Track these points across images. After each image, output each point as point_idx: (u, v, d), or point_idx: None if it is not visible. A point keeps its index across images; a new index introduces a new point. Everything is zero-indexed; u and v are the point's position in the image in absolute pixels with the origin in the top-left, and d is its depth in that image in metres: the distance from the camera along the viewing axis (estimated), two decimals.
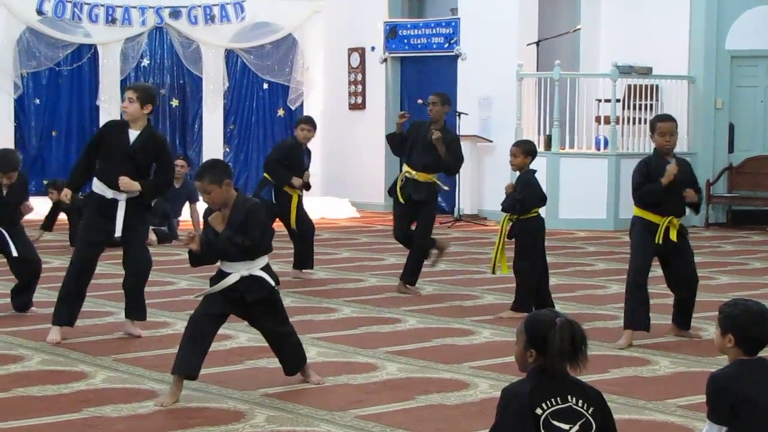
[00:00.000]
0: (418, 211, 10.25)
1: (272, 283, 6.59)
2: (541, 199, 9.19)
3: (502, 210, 9.21)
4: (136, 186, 7.93)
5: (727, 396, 4.05)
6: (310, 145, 11.41)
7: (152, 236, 13.25)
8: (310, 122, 11.32)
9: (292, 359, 6.84)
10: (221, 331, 8.35)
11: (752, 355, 4.12)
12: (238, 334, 8.27)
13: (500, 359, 7.46)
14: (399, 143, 10.45)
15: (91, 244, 8.08)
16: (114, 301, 9.53)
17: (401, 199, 10.22)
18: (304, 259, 11.23)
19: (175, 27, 17.97)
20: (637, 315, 8.01)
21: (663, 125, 8.23)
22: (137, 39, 17.92)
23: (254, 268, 6.54)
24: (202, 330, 6.56)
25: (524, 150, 9.18)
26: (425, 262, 10.38)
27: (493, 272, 9.32)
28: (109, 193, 7.96)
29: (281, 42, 18.40)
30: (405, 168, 10.31)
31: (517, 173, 9.37)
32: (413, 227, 10.32)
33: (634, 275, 8.12)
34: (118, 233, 8.00)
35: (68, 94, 17.92)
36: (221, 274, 6.58)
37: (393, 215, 10.48)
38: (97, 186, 8.04)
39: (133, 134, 7.99)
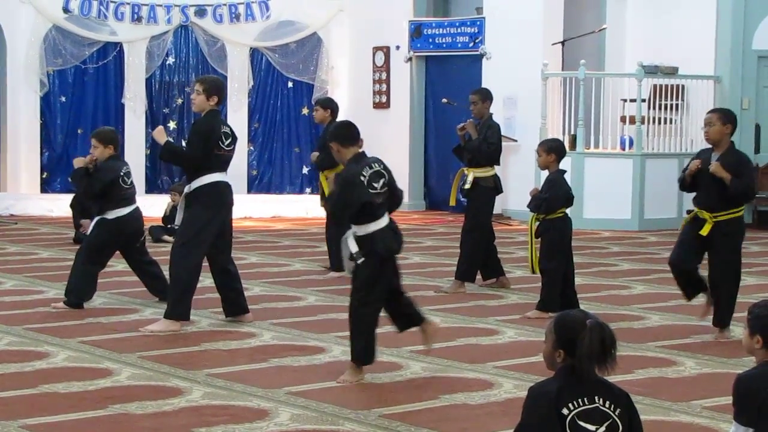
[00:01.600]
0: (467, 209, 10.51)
1: (353, 250, 6.78)
2: (567, 200, 9.16)
3: (529, 210, 9.18)
4: (163, 137, 8.48)
5: (754, 398, 4.02)
6: None
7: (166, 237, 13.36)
8: (317, 102, 11.58)
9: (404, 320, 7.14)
10: (246, 329, 8.41)
11: None
12: (262, 333, 8.30)
13: (524, 359, 7.45)
14: (462, 151, 10.53)
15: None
16: (139, 299, 9.57)
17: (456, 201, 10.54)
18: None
19: (200, 25, 18.01)
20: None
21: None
22: (162, 37, 17.97)
23: (350, 234, 6.86)
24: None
25: (546, 147, 9.14)
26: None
27: (533, 272, 9.26)
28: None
29: (306, 41, 18.41)
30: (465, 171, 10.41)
31: (545, 173, 9.34)
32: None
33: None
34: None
35: (94, 92, 17.99)
36: None
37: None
38: None
39: None
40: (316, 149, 11.35)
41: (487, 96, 10.56)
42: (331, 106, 11.41)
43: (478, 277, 10.54)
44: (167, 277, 9.32)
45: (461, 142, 10.52)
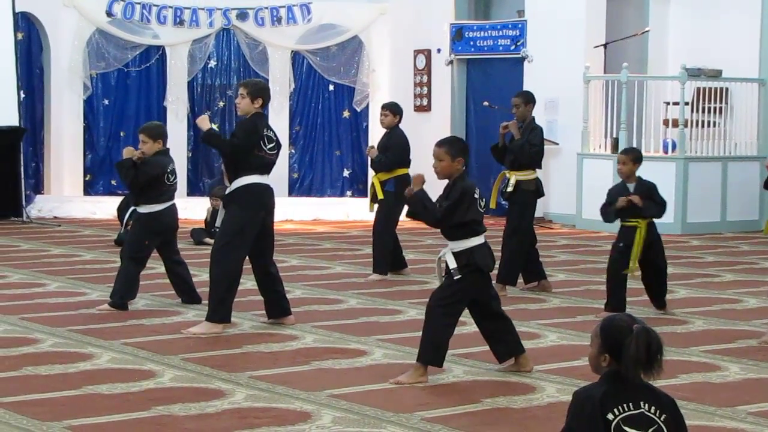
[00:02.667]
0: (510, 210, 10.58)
1: (451, 266, 6.84)
2: None
3: (651, 216, 9.11)
4: (206, 125, 8.56)
5: None
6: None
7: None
8: (384, 107, 11.52)
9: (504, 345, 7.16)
10: (288, 331, 8.43)
11: None
12: (304, 335, 8.31)
13: (567, 363, 7.41)
14: (501, 153, 10.50)
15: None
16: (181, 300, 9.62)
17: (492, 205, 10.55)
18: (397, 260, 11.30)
19: (242, 28, 18.09)
20: None
21: None
22: (204, 40, 18.07)
23: (448, 251, 6.93)
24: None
25: (633, 157, 9.18)
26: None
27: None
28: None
29: (347, 44, 18.44)
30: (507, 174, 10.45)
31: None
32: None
33: None
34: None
35: (136, 95, 18.12)
36: None
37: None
38: None
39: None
40: (377, 149, 11.32)
41: (530, 99, 10.56)
42: (399, 111, 11.41)
43: (520, 280, 10.50)
44: (193, 280, 9.43)
45: (500, 141, 10.49)
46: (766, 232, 8.63)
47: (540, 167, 10.62)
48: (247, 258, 8.52)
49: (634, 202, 9.01)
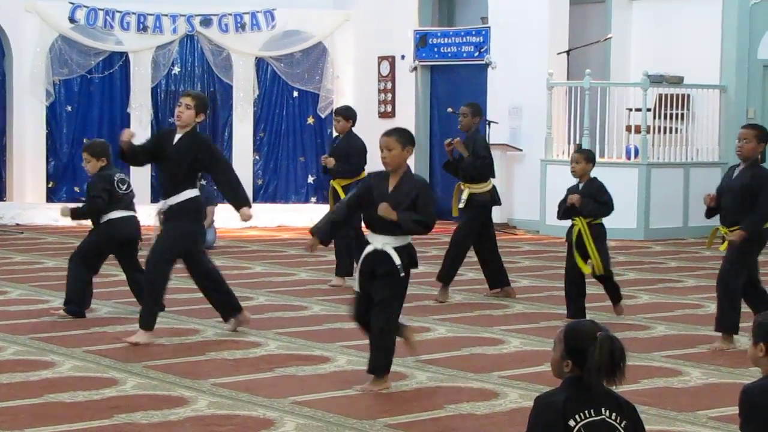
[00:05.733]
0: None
1: (398, 262, 6.69)
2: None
3: (589, 215, 9.11)
4: (249, 214, 8.36)
5: (759, 408, 4.00)
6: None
7: None
8: (336, 112, 11.53)
9: (371, 357, 6.94)
10: (251, 338, 8.41)
11: None
12: (267, 342, 8.30)
13: (530, 369, 7.44)
14: (454, 167, 10.54)
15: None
16: None
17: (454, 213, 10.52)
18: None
19: (205, 35, 18.04)
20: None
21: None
22: (168, 47, 18.00)
23: (389, 245, 6.73)
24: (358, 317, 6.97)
25: (586, 156, 9.23)
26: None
27: (598, 273, 9.26)
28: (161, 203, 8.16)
29: (311, 50, 18.44)
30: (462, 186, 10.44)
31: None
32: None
33: None
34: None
35: (99, 102, 18.02)
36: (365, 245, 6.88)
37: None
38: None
39: (177, 137, 8.13)
40: (330, 156, 11.31)
41: (478, 111, 10.59)
42: (353, 116, 11.42)
43: (485, 286, 10.53)
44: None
45: (449, 157, 10.53)
46: (709, 245, 8.69)
47: (494, 176, 10.63)
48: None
49: (572, 202, 9.08)
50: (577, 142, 15.80)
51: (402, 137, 6.84)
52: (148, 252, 8.31)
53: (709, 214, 8.45)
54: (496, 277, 10.49)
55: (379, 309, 6.79)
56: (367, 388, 6.84)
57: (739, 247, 8.13)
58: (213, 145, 8.39)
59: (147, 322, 8.13)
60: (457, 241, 10.40)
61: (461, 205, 10.32)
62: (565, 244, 9.44)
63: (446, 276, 10.34)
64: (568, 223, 9.36)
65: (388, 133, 6.92)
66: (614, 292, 9.44)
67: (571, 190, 9.33)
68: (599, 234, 9.26)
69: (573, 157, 9.45)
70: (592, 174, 9.32)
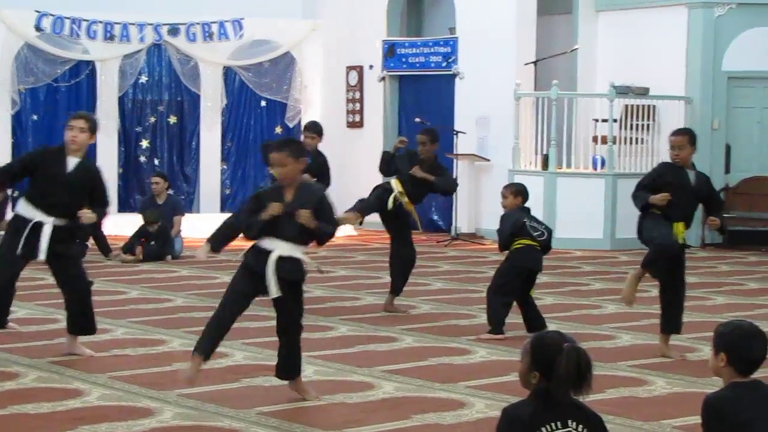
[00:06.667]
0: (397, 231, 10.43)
1: (306, 267, 6.69)
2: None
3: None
4: (94, 218, 7.93)
5: (721, 418, 4.03)
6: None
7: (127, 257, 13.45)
8: (309, 128, 11.17)
9: (286, 364, 6.88)
10: (218, 348, 8.35)
11: (746, 375, 4.11)
12: (234, 353, 8.27)
13: (496, 378, 7.45)
14: (388, 162, 10.50)
15: (12, 264, 7.87)
16: (110, 318, 9.53)
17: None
18: None
19: (173, 44, 17.99)
20: None
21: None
22: (135, 56, 17.93)
23: (297, 250, 6.68)
24: (226, 312, 6.78)
25: (514, 191, 9.37)
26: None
27: None
28: (37, 216, 7.82)
29: (279, 60, 18.43)
30: (398, 188, 10.28)
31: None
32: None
33: None
34: (42, 256, 7.80)
35: (66, 111, 17.84)
36: (260, 252, 6.69)
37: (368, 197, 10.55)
38: (25, 208, 7.91)
39: (72, 162, 7.94)
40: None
41: (435, 138, 10.47)
42: (322, 131, 11.27)
43: (453, 296, 10.55)
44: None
45: (392, 150, 10.49)
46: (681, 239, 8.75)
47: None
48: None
49: None
50: (545, 153, 15.88)
51: (294, 151, 6.70)
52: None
53: (646, 209, 8.49)
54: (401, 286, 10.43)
55: (293, 321, 6.85)
56: (313, 394, 6.84)
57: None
58: (103, 178, 8.23)
59: None
60: (409, 249, 10.35)
61: (389, 207, 10.25)
62: None
63: (401, 287, 10.31)
64: None
65: (278, 149, 6.75)
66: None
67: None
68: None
69: (502, 192, 9.50)
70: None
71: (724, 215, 15.81)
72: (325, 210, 6.76)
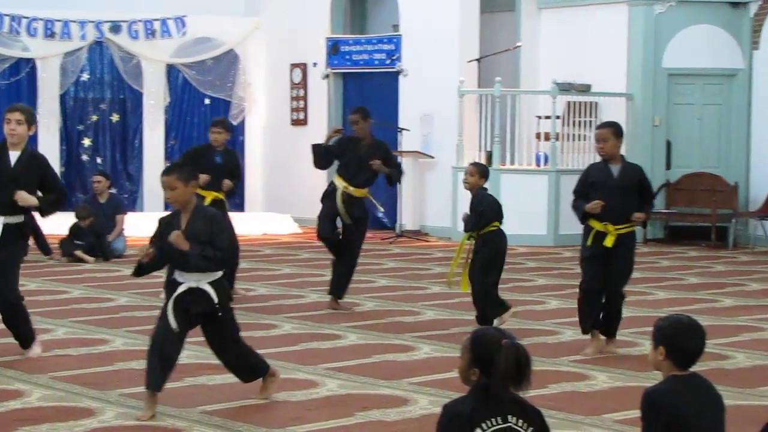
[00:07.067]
0: (353, 227, 10.26)
1: (215, 299, 6.48)
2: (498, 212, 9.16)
3: (468, 228, 9.09)
4: (33, 201, 7.72)
5: (660, 412, 4.08)
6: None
7: (87, 258, 13.31)
8: (218, 124, 11.00)
9: (248, 372, 6.83)
10: None
11: (684, 368, 4.15)
12: None
13: (440, 375, 7.47)
14: (324, 155, 10.43)
15: None
16: (51, 318, 9.44)
17: (347, 220, 10.21)
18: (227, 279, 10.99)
19: (115, 41, 17.85)
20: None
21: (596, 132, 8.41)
22: (77, 53, 17.78)
23: (203, 280, 6.47)
24: (165, 349, 6.46)
25: (481, 171, 9.20)
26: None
27: (464, 289, 9.21)
28: None
29: (223, 57, 18.35)
30: (341, 183, 10.25)
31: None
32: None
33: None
34: None
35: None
36: (173, 284, 6.49)
37: (319, 215, 10.35)
38: None
39: (14, 156, 7.81)
40: (222, 171, 10.89)
41: (367, 114, 10.39)
42: (229, 128, 11.19)
43: (397, 293, 10.56)
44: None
45: (325, 142, 10.42)
46: (590, 242, 8.70)
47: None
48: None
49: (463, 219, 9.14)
50: (488, 150, 15.95)
51: (182, 173, 6.47)
52: None
53: (585, 220, 8.47)
54: (341, 287, 10.32)
55: (233, 342, 6.73)
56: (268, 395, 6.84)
57: (632, 253, 8.35)
58: (50, 165, 8.11)
59: None
60: (355, 252, 10.29)
61: (341, 205, 10.20)
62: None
63: (342, 290, 10.27)
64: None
65: (168, 172, 6.53)
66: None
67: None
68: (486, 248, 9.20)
69: (467, 169, 9.31)
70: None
71: (666, 211, 16.10)
72: (214, 235, 6.45)
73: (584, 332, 8.42)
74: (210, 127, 11.06)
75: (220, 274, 6.57)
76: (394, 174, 10.26)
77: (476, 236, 9.03)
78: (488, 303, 9.00)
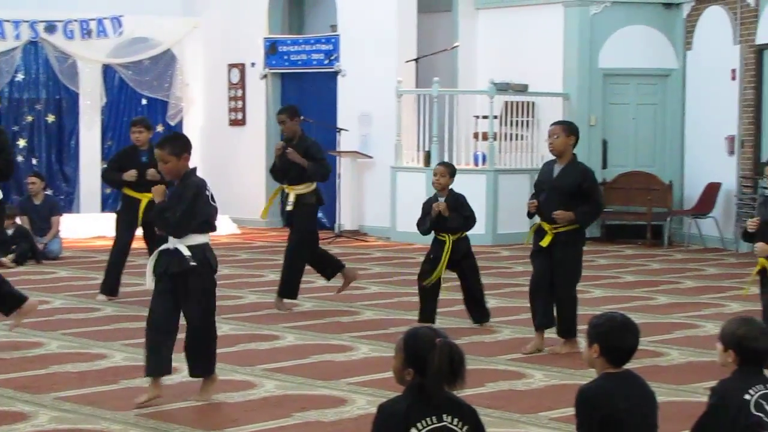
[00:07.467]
0: (292, 226, 10.32)
1: (190, 261, 6.62)
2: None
3: (455, 228, 9.23)
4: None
5: (594, 409, 4.12)
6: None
7: (4, 259, 13.06)
8: (137, 123, 10.95)
9: (198, 361, 6.82)
10: (96, 350, 8.26)
11: (618, 366, 4.20)
12: (113, 354, 8.16)
13: (378, 375, 7.48)
14: (277, 174, 10.51)
15: None
16: None
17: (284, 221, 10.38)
18: None
19: (50, 41, 17.65)
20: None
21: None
22: (11, 53, 17.55)
23: (181, 243, 6.67)
24: (162, 327, 6.70)
25: (451, 171, 9.31)
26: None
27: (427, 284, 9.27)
28: None
29: (160, 57, 18.22)
30: (284, 185, 10.34)
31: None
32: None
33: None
34: None
35: None
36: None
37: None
38: None
39: None
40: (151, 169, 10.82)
41: (295, 113, 10.44)
42: (150, 126, 11.11)
43: (329, 293, 10.54)
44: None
45: (276, 162, 10.47)
46: (527, 242, 8.92)
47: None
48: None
49: (440, 210, 9.18)
50: (426, 149, 15.99)
51: (174, 148, 6.75)
52: None
53: (531, 217, 8.64)
54: (329, 267, 10.43)
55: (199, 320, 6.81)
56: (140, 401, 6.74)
57: (574, 252, 8.40)
58: None
59: None
60: (294, 253, 10.30)
61: (289, 208, 10.24)
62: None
63: (291, 291, 10.27)
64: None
65: (160, 146, 6.79)
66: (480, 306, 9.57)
67: (427, 204, 9.42)
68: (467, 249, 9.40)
69: (438, 170, 9.44)
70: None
71: (604, 210, 16.21)
72: (173, 203, 6.75)
73: (535, 328, 8.50)
74: (130, 127, 11.03)
75: (201, 239, 6.75)
76: (310, 168, 10.19)
77: (455, 238, 9.18)
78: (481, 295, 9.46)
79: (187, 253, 6.64)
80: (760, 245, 7.65)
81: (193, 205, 6.71)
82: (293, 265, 10.23)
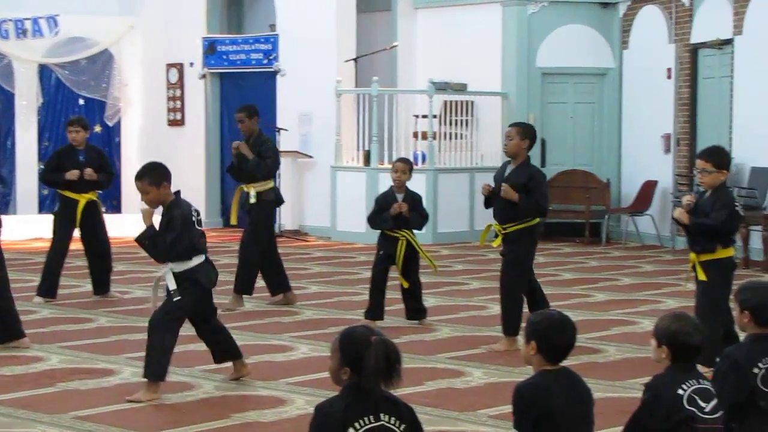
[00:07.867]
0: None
1: (170, 287, 6.84)
2: None
3: (414, 227, 9.47)
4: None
5: (530, 406, 4.16)
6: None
7: None
8: (74, 122, 10.88)
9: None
10: (31, 353, 8.18)
11: (555, 363, 4.24)
12: (50, 356, 8.09)
13: (317, 375, 7.48)
14: (235, 172, 10.50)
15: None
16: None
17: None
18: (100, 282, 10.87)
19: None
20: None
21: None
22: None
23: (168, 271, 6.90)
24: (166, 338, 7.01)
25: (410, 168, 9.58)
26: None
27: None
28: None
29: (97, 57, 18.06)
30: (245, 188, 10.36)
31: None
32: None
33: None
34: None
35: None
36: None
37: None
38: None
39: None
40: (88, 168, 10.75)
41: (253, 112, 10.49)
42: (87, 126, 11.04)
43: (266, 294, 10.51)
44: None
45: (234, 161, 10.47)
46: (482, 243, 9.04)
47: (277, 172, 10.70)
48: None
49: (402, 211, 9.22)
50: (366, 149, 16.01)
51: (153, 178, 6.99)
52: None
53: (488, 204, 8.69)
54: (278, 283, 10.45)
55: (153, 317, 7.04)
56: (133, 398, 6.79)
57: (521, 247, 8.45)
58: None
59: None
60: (247, 247, 10.29)
61: (253, 200, 10.22)
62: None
63: (245, 287, 10.25)
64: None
65: (140, 177, 7.03)
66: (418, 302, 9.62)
67: (383, 199, 9.44)
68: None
69: (398, 167, 9.51)
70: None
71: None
72: (162, 229, 6.97)
73: None
74: (66, 127, 10.95)
75: (193, 263, 6.91)
76: (251, 162, 10.20)
77: (408, 236, 9.32)
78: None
79: (172, 286, 6.85)
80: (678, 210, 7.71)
81: (181, 235, 6.87)
82: (247, 261, 10.21)
